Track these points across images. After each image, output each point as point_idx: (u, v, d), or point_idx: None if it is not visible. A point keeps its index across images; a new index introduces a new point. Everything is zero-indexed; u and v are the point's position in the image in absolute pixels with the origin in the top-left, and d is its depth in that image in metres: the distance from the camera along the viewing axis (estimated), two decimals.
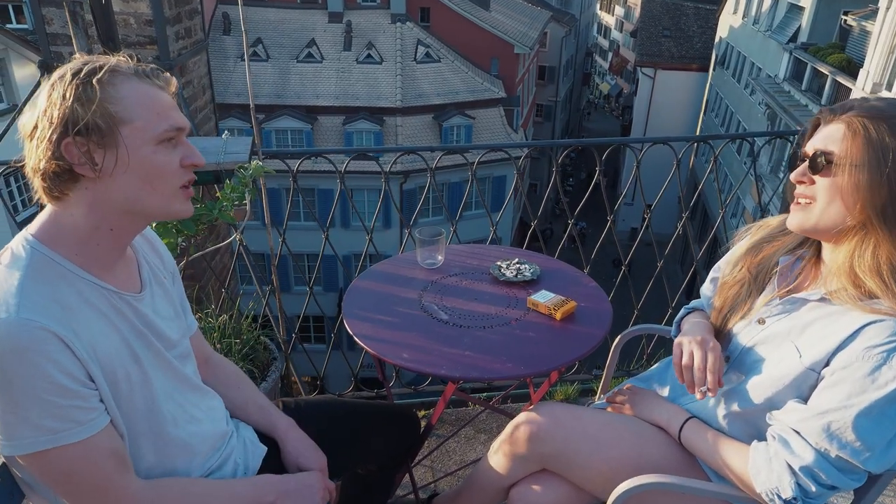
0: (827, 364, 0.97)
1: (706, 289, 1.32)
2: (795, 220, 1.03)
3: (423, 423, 1.57)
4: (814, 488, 0.94)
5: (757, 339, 1.10)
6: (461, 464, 2.12)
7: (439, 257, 1.73)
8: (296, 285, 14.27)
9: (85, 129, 0.83)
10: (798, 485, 0.95)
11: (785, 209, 1.11)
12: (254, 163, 1.73)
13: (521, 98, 20.48)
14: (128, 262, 0.99)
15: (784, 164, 14.41)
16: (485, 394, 2.53)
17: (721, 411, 1.13)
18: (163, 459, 0.99)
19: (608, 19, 40.08)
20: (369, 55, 17.77)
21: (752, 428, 1.09)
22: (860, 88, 11.06)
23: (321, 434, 1.24)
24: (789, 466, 0.96)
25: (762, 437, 1.04)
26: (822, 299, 1.02)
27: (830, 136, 0.97)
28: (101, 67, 0.86)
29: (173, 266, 1.13)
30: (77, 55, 0.91)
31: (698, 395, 1.07)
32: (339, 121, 16.86)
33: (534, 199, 22.91)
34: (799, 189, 1.03)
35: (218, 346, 1.75)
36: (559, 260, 1.87)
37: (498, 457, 1.30)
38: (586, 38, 41.69)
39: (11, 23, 13.41)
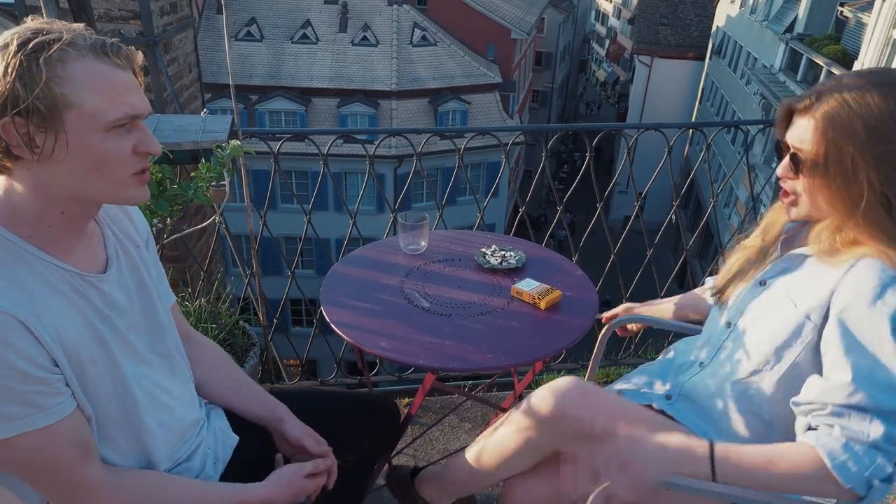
0: (826, 312, 0.93)
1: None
2: (791, 213, 1.04)
3: (404, 412, 1.54)
4: None
5: (758, 300, 1.08)
6: (444, 452, 2.09)
7: (422, 243, 1.68)
8: (286, 268, 14.22)
9: (26, 111, 0.75)
10: (888, 457, 0.85)
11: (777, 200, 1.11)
12: (232, 142, 1.67)
13: (517, 84, 20.31)
14: (90, 239, 0.93)
15: None
16: (470, 381, 2.50)
17: (719, 379, 1.08)
18: (133, 445, 0.95)
19: (606, 6, 39.77)
20: (365, 37, 17.52)
21: (748, 403, 1.05)
22: None
23: None
24: (868, 444, 0.86)
25: (763, 414, 1.02)
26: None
27: (801, 135, 0.96)
28: (52, 42, 0.77)
29: (147, 231, 1.07)
30: (27, 19, 0.81)
31: None
32: (334, 103, 16.65)
33: (529, 186, 22.87)
34: (785, 184, 1.02)
35: None
36: (546, 247, 1.83)
37: (507, 432, 1.20)
38: (584, 24, 41.38)
39: None
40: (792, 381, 1.00)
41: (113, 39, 0.84)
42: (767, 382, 1.03)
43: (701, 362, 1.16)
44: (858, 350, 0.88)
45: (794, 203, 1.02)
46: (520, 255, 1.65)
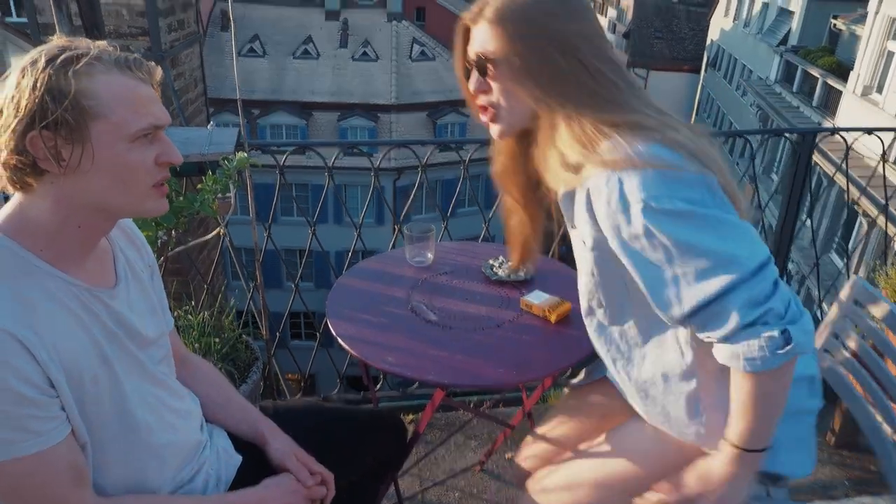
0: (605, 236, 0.92)
1: None
2: (495, 130, 1.02)
3: (410, 428, 1.51)
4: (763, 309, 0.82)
5: (577, 251, 1.05)
6: (450, 472, 2.05)
7: (429, 255, 1.66)
8: (287, 281, 14.20)
9: (54, 124, 0.76)
10: (746, 317, 0.82)
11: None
12: (239, 154, 1.66)
13: None
14: (101, 256, 0.93)
15: (776, 164, 14.48)
16: (476, 397, 2.47)
17: (603, 340, 1.08)
18: (132, 471, 0.92)
19: (601, 21, 40.26)
20: (365, 52, 17.68)
21: (632, 348, 1.04)
22: (850, 91, 11.11)
23: (299, 441, 1.17)
24: (735, 323, 0.83)
25: (650, 348, 1.01)
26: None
27: (482, 39, 0.97)
28: (79, 56, 0.79)
29: (152, 260, 1.07)
30: (54, 37, 0.83)
31: None
32: (334, 117, 16.76)
33: None
34: (481, 100, 1.01)
35: (196, 344, 1.68)
36: (554, 259, 1.81)
37: None
38: None
39: (11, 15, 13.21)
40: (646, 309, 0.95)
41: (135, 55, 0.86)
42: (628, 323, 1.02)
43: None
44: (649, 265, 0.87)
45: (494, 118, 1.01)
46: (528, 267, 1.63)
